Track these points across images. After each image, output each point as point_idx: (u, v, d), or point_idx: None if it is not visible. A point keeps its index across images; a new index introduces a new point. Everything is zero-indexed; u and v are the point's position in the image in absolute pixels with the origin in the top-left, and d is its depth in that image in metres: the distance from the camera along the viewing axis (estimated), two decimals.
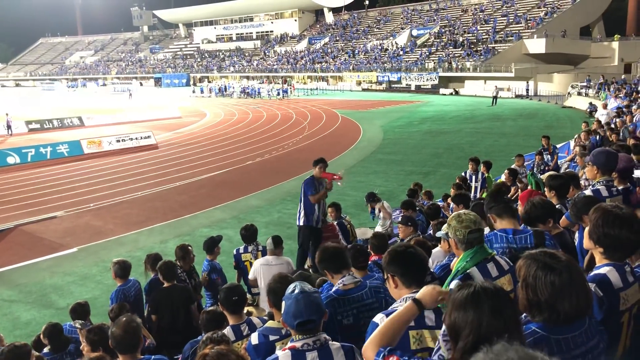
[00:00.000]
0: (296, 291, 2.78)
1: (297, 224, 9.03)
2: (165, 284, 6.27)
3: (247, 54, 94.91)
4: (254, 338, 3.57)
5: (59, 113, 43.17)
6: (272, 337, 3.51)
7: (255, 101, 57.39)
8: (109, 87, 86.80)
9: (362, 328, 3.52)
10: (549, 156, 14.01)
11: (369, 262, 5.01)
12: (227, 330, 4.18)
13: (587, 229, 2.83)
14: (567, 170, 10.31)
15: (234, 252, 7.94)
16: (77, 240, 13.41)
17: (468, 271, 3.21)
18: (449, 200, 9.06)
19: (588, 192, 4.65)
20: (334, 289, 3.67)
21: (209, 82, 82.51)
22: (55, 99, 65.37)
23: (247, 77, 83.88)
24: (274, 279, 3.77)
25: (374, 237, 5.81)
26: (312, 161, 8.98)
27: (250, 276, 6.95)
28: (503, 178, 10.87)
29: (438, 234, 3.87)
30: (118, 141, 27.87)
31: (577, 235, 4.25)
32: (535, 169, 12.77)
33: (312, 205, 8.76)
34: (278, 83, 72.08)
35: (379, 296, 3.72)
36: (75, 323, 5.36)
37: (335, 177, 8.79)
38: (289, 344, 2.80)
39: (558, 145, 16.18)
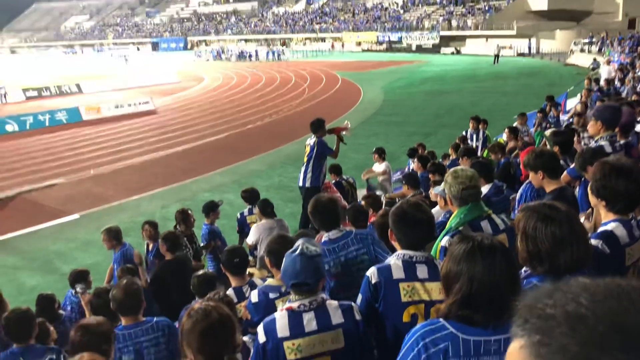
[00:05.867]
0: (297, 252, 2.75)
1: (302, 185, 8.81)
2: (169, 256, 6.23)
3: (244, 16, 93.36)
4: (254, 296, 3.59)
5: (56, 80, 42.79)
6: (271, 295, 3.53)
7: (253, 64, 56.78)
8: (105, 53, 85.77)
9: (354, 275, 3.62)
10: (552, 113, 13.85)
11: (369, 223, 5.02)
12: (230, 292, 4.20)
13: (589, 185, 2.80)
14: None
15: (238, 215, 7.90)
16: (79, 207, 13.43)
17: (460, 229, 3.19)
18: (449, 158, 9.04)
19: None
20: (322, 240, 3.73)
21: (207, 45, 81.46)
22: (52, 65, 64.70)
23: (245, 40, 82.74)
24: (273, 240, 3.77)
25: (366, 197, 5.81)
26: (312, 125, 8.80)
27: (251, 241, 6.83)
28: (504, 137, 10.81)
29: (434, 191, 3.85)
30: (117, 107, 27.64)
31: (577, 190, 4.22)
32: (537, 127, 12.65)
33: (322, 166, 8.71)
34: (276, 45, 71.48)
35: (366, 242, 3.79)
36: (76, 287, 5.38)
37: (342, 129, 8.80)
38: (286, 305, 2.80)
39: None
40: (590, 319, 0.64)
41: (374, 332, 2.94)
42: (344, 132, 8.87)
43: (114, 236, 6.79)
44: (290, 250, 2.80)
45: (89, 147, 20.38)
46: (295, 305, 2.73)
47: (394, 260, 2.85)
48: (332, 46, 70.41)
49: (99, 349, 3.05)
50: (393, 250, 2.99)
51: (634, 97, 10.41)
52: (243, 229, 7.76)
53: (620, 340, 0.61)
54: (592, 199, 2.77)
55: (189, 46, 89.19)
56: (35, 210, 13.46)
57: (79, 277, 6.06)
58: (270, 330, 2.69)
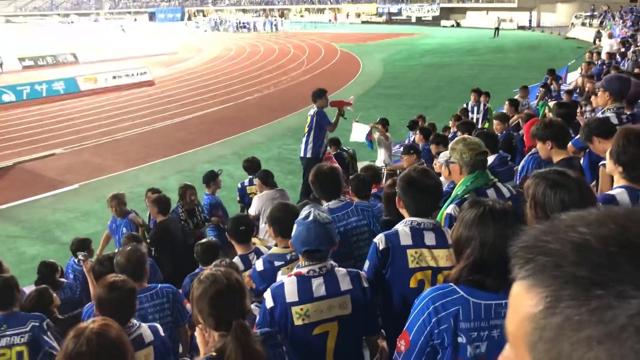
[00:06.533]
0: (310, 218, 2.73)
1: (303, 155, 8.92)
2: (160, 218, 6.38)
3: None
4: (259, 265, 3.58)
5: (53, 49, 42.24)
6: (277, 263, 3.52)
7: (251, 35, 56.13)
8: (102, 23, 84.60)
9: (352, 245, 3.69)
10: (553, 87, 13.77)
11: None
12: (236, 260, 4.20)
13: (609, 150, 2.80)
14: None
15: (239, 185, 7.91)
16: (78, 177, 13.40)
17: (466, 196, 3.20)
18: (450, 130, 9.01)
19: None
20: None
21: (204, 16, 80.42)
22: (49, 35, 63.87)
23: (243, 11, 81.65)
24: (276, 208, 3.74)
25: (366, 169, 5.81)
26: (313, 95, 8.82)
27: (253, 211, 6.78)
28: (505, 109, 10.77)
29: (439, 161, 3.84)
30: (114, 78, 27.33)
31: (582, 161, 4.22)
32: (540, 101, 12.60)
33: (322, 137, 8.73)
34: (274, 16, 70.52)
35: (367, 214, 3.84)
36: (78, 255, 5.40)
37: (346, 103, 8.78)
38: (295, 270, 2.79)
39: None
40: (594, 243, 0.65)
41: (380, 299, 2.96)
42: (347, 107, 8.84)
43: (124, 202, 6.87)
44: (302, 217, 2.78)
45: (87, 118, 20.24)
46: (304, 270, 2.72)
47: (401, 227, 2.86)
48: (335, 17, 69.32)
49: (129, 305, 3.11)
50: (400, 218, 2.99)
51: (636, 70, 10.33)
52: (244, 199, 7.77)
53: (628, 256, 0.62)
54: (610, 165, 2.77)
55: (186, 16, 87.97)
56: (34, 180, 13.42)
57: (81, 245, 6.11)
58: (278, 295, 2.69)
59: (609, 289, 0.60)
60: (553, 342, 0.63)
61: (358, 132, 10.61)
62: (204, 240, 4.76)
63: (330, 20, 68.24)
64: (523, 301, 0.68)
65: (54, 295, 5.01)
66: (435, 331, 2.03)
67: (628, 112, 4.63)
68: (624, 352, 0.58)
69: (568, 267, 0.64)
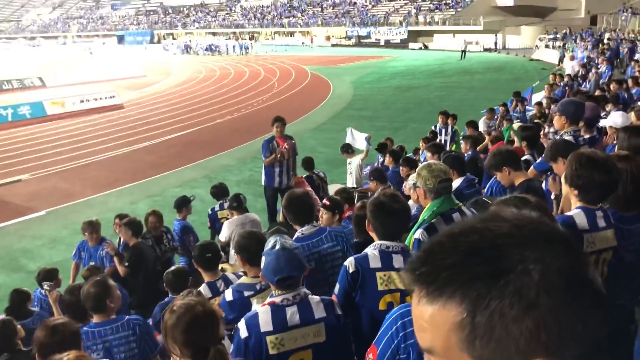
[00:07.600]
0: (277, 247, 2.75)
1: (262, 183, 9.09)
2: (134, 241, 6.39)
3: (212, 9, 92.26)
4: (228, 294, 3.57)
5: (18, 73, 41.61)
6: (246, 293, 3.52)
7: (221, 58, 56.23)
8: (69, 46, 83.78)
9: (327, 272, 3.70)
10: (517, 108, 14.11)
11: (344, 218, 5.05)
12: (203, 287, 4.18)
13: (563, 174, 2.90)
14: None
15: (209, 211, 7.89)
16: (45, 204, 13.14)
17: (433, 221, 3.27)
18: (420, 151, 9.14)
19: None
20: (294, 237, 3.72)
21: (174, 39, 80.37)
22: (14, 58, 62.93)
23: (213, 34, 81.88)
24: (241, 236, 3.75)
25: (342, 192, 5.87)
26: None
27: (223, 237, 6.70)
28: (468, 132, 11.01)
29: (407, 184, 3.93)
30: (82, 101, 26.97)
31: (544, 184, 4.34)
32: (501, 120, 12.87)
33: (270, 167, 8.75)
34: (245, 39, 70.85)
35: (340, 239, 3.86)
36: (44, 285, 5.29)
37: (283, 148, 8.76)
38: (269, 299, 2.81)
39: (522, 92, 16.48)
40: (480, 244, 0.73)
41: (351, 323, 2.99)
42: (284, 151, 8.86)
43: (99, 228, 6.81)
44: (269, 247, 2.81)
45: (55, 143, 19.93)
46: (278, 299, 2.74)
47: (370, 250, 2.92)
48: (311, 40, 69.49)
49: (68, 349, 3.02)
50: (370, 241, 3.05)
51: (597, 93, 10.69)
52: (214, 224, 7.73)
53: (510, 243, 0.72)
54: (565, 188, 2.88)
55: (155, 39, 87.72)
56: None
57: (48, 275, 5.96)
58: (252, 325, 2.69)
59: (513, 272, 0.70)
60: (490, 333, 0.70)
61: (357, 139, 10.83)
62: (173, 267, 4.73)
63: (303, 43, 68.67)
64: (443, 316, 0.73)
65: (18, 326, 4.88)
66: (402, 346, 2.08)
67: (586, 136, 4.80)
68: (542, 312, 0.69)
69: (471, 270, 0.72)
